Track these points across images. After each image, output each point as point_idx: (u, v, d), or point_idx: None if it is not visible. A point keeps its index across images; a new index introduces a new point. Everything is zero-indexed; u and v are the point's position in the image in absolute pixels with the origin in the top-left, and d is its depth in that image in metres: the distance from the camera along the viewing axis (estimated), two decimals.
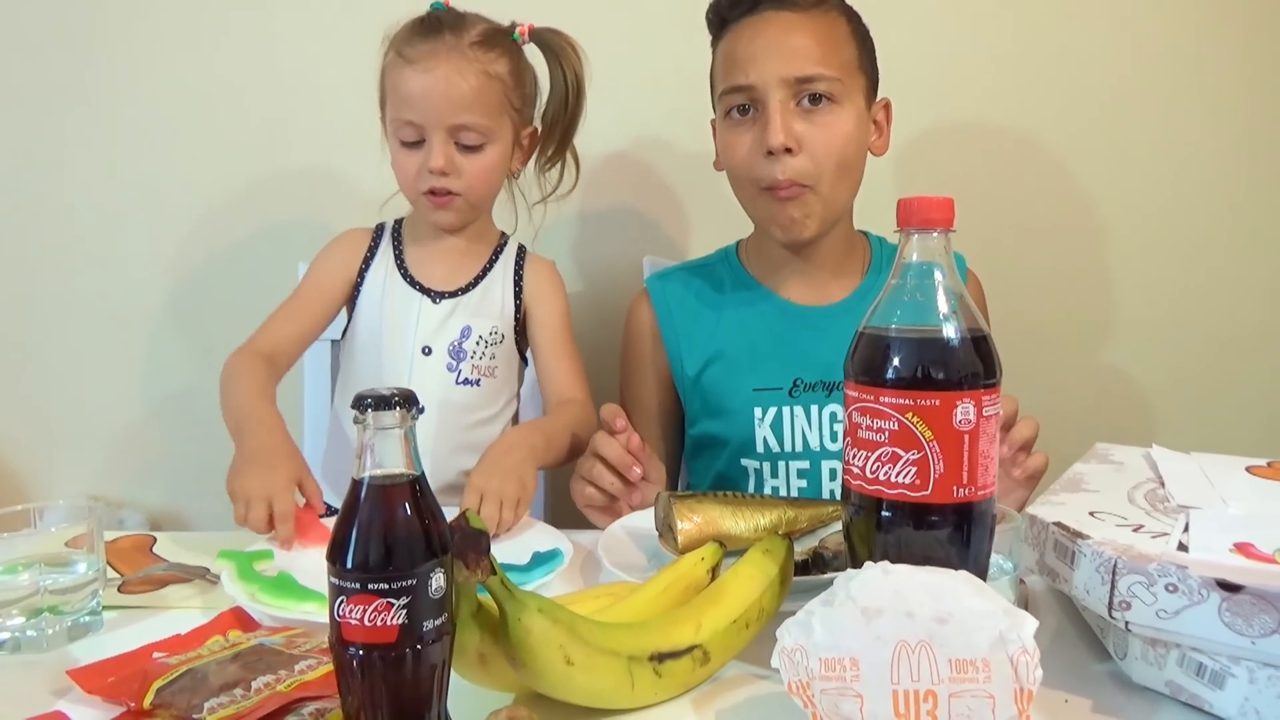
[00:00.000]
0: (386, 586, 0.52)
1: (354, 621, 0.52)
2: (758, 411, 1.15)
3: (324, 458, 1.24)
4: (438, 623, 0.54)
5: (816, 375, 1.15)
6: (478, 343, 1.15)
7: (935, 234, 0.65)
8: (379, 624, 0.52)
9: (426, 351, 1.14)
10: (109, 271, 1.54)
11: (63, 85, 1.50)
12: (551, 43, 1.14)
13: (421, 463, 0.55)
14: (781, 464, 1.16)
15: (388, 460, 0.54)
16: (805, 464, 1.15)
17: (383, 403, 0.53)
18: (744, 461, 1.17)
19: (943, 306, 0.64)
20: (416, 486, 0.54)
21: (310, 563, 0.88)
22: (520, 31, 1.13)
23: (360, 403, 0.53)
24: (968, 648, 0.56)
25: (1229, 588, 0.61)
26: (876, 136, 1.16)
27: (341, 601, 0.52)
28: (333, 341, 1.28)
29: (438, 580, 0.53)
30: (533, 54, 1.16)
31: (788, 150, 1.05)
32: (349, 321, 1.19)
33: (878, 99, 1.15)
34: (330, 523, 0.90)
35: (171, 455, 1.57)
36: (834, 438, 1.14)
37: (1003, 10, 1.53)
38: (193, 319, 1.56)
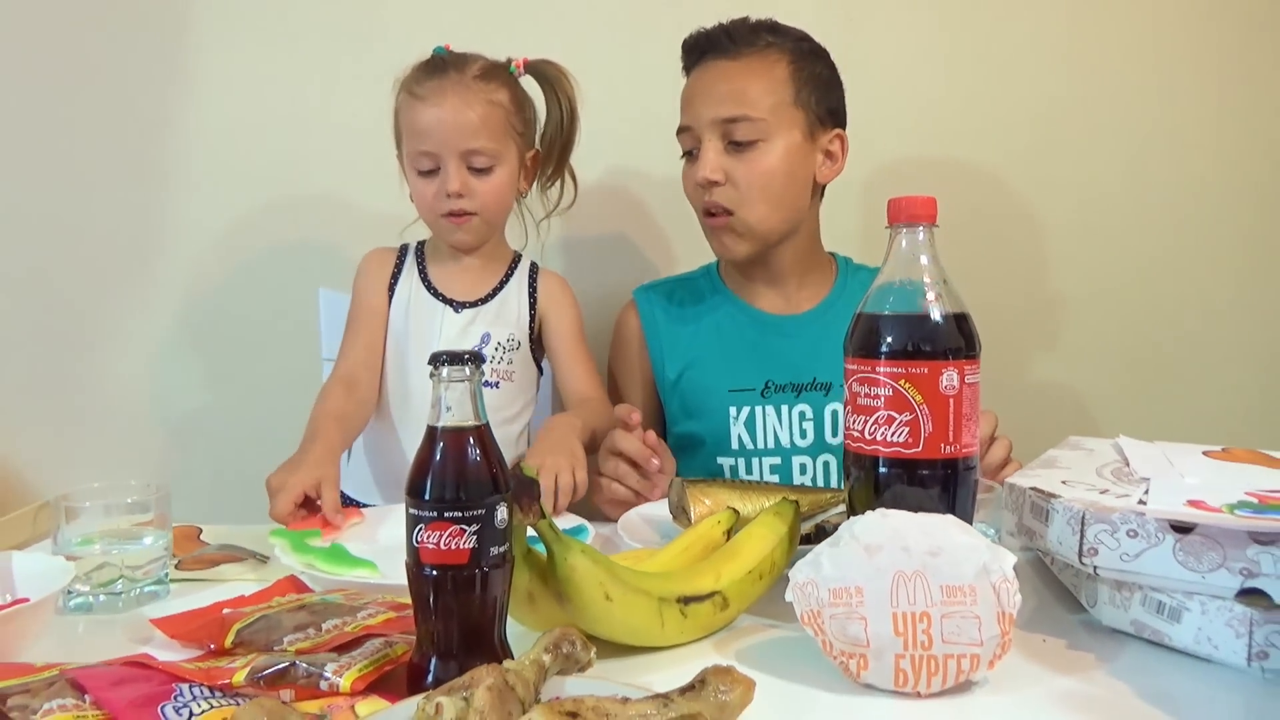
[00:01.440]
0: (460, 514, 0.60)
1: (431, 545, 0.60)
2: (732, 411, 1.27)
3: (355, 454, 1.32)
4: (502, 549, 0.62)
5: (786, 378, 1.26)
6: (496, 348, 1.25)
7: (921, 228, 0.75)
8: (453, 547, 0.60)
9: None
10: (134, 293, 1.63)
11: (98, 119, 1.60)
12: (546, 72, 1.27)
13: (486, 414, 0.64)
14: (755, 460, 1.27)
15: (458, 409, 0.62)
16: (777, 459, 1.26)
17: (455, 359, 0.62)
18: (720, 459, 1.28)
19: (929, 291, 0.75)
20: (482, 432, 0.63)
21: (352, 543, 0.95)
22: (516, 65, 1.25)
23: (435, 360, 0.62)
24: (957, 576, 0.65)
25: (1181, 529, 0.70)
26: (828, 165, 1.26)
27: (420, 529, 0.61)
28: None
29: (501, 513, 0.62)
30: (530, 86, 1.28)
31: (714, 183, 1.20)
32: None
33: (831, 131, 1.25)
34: (352, 525, 1.01)
35: (190, 473, 1.64)
36: (803, 435, 1.25)
37: (968, 50, 1.66)
38: (212, 339, 1.64)
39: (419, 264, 1.29)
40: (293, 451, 1.08)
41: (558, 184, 1.32)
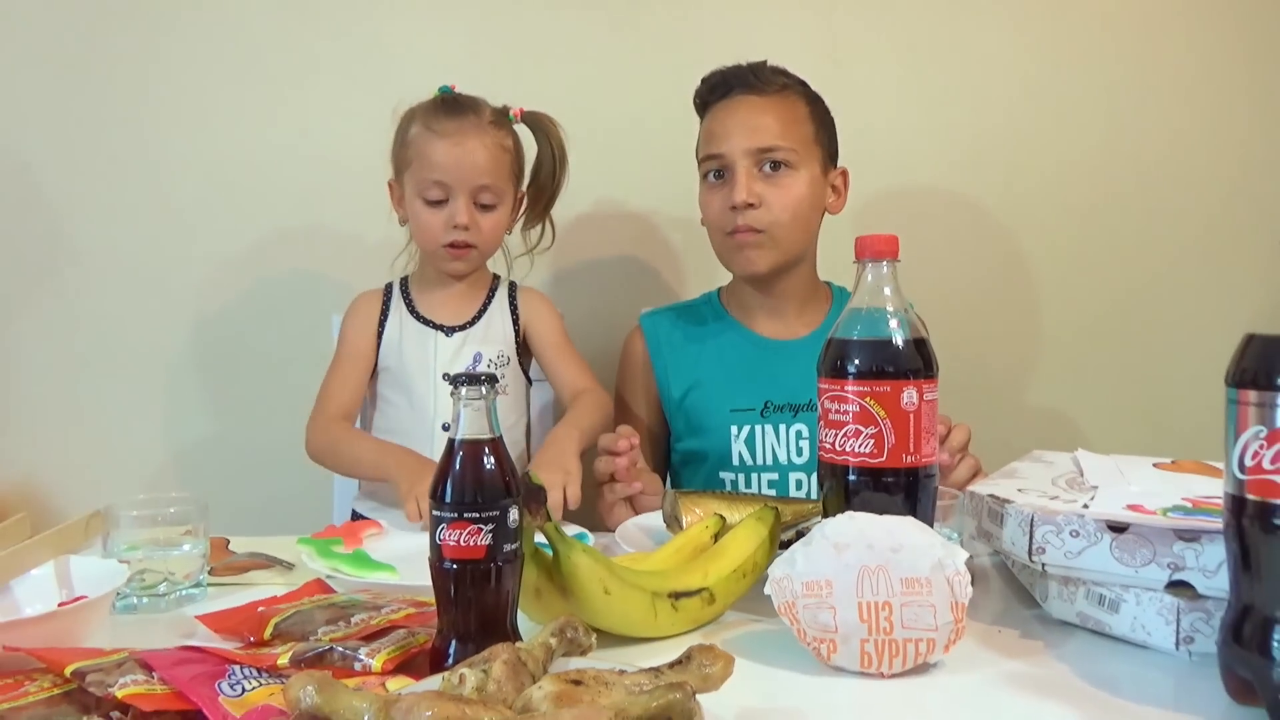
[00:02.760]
0: (477, 515, 0.69)
1: (452, 542, 0.69)
2: (734, 429, 1.36)
3: (363, 483, 1.40)
4: (513, 547, 0.71)
5: (784, 399, 1.35)
6: (488, 365, 1.36)
7: (885, 263, 0.84)
8: (472, 544, 0.69)
9: (446, 378, 1.33)
10: (147, 323, 1.73)
11: (117, 156, 1.70)
12: (539, 122, 1.37)
13: (500, 428, 0.73)
14: (754, 475, 1.36)
15: (475, 424, 0.71)
16: (775, 475, 1.35)
17: (472, 380, 0.71)
18: (722, 474, 1.37)
19: (891, 319, 0.84)
20: (497, 443, 0.71)
21: (376, 549, 1.04)
22: (514, 114, 1.36)
23: (455, 381, 0.71)
24: (915, 569, 0.74)
25: (1117, 528, 0.79)
26: (835, 199, 1.39)
27: (442, 528, 0.69)
28: None
29: (513, 514, 0.71)
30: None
31: (750, 205, 1.29)
32: (375, 364, 1.38)
33: (836, 168, 1.39)
34: (370, 536, 1.10)
35: (209, 495, 1.71)
36: (799, 452, 1.34)
37: (947, 89, 1.77)
38: (225, 369, 1.74)
39: (405, 298, 1.39)
40: (307, 472, 1.18)
41: (537, 227, 1.42)
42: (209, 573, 1.02)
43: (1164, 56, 1.80)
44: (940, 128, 1.77)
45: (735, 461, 1.35)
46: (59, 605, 0.81)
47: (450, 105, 1.31)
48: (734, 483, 1.35)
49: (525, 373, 1.41)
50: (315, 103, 1.71)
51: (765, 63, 1.36)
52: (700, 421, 1.39)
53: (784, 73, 1.36)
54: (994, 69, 1.78)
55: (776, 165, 1.30)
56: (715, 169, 1.34)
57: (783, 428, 1.34)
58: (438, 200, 1.29)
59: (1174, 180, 1.81)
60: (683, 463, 1.42)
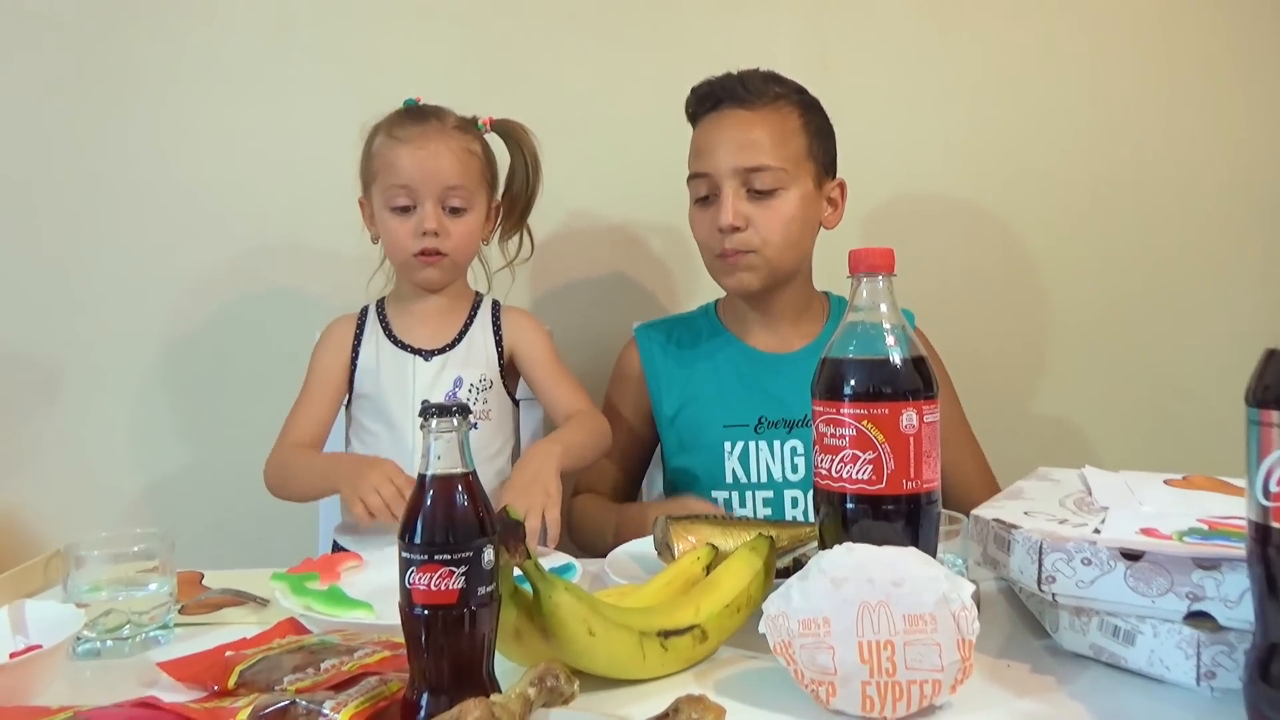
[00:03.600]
0: (449, 557, 0.64)
1: (422, 586, 0.64)
2: (727, 446, 1.31)
3: (341, 511, 1.34)
4: (488, 589, 0.66)
5: (779, 414, 1.31)
6: (470, 389, 1.30)
7: (880, 277, 0.80)
8: (443, 588, 0.64)
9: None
10: (120, 344, 1.68)
11: (98, 172, 1.66)
12: (510, 130, 1.33)
13: (473, 462, 0.68)
14: (749, 494, 1.31)
15: (446, 458, 0.67)
16: (770, 493, 1.31)
17: (443, 412, 0.67)
18: (714, 492, 1.32)
19: (888, 336, 0.79)
20: (470, 479, 0.67)
21: (350, 586, 0.99)
22: (484, 122, 1.31)
23: (425, 412, 0.67)
24: (918, 605, 0.69)
25: (1131, 556, 0.74)
26: (831, 212, 1.34)
27: (412, 571, 0.65)
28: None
29: (488, 555, 0.66)
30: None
31: (737, 228, 1.24)
32: (351, 393, 1.33)
33: (834, 180, 1.33)
34: (349, 570, 1.04)
35: (190, 520, 1.67)
36: (794, 469, 1.30)
37: (940, 91, 1.74)
38: (206, 391, 1.69)
39: (381, 321, 1.33)
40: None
41: (515, 238, 1.37)
42: (180, 611, 0.97)
43: (1158, 56, 1.76)
44: (934, 133, 1.74)
45: (729, 479, 1.31)
46: (10, 656, 0.77)
47: (413, 113, 1.27)
48: (727, 501, 1.31)
49: (511, 395, 1.36)
50: (298, 118, 1.67)
51: (757, 71, 1.30)
52: (693, 438, 1.34)
53: (777, 80, 1.30)
54: (987, 72, 1.74)
55: (765, 184, 1.25)
56: (702, 189, 1.29)
57: (777, 444, 1.30)
58: (405, 207, 1.24)
59: (1171, 181, 1.77)
60: (675, 481, 1.37)
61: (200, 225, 1.68)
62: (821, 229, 1.34)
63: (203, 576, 1.10)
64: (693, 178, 1.30)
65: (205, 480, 1.67)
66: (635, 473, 1.43)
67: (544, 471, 1.12)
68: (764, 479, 1.30)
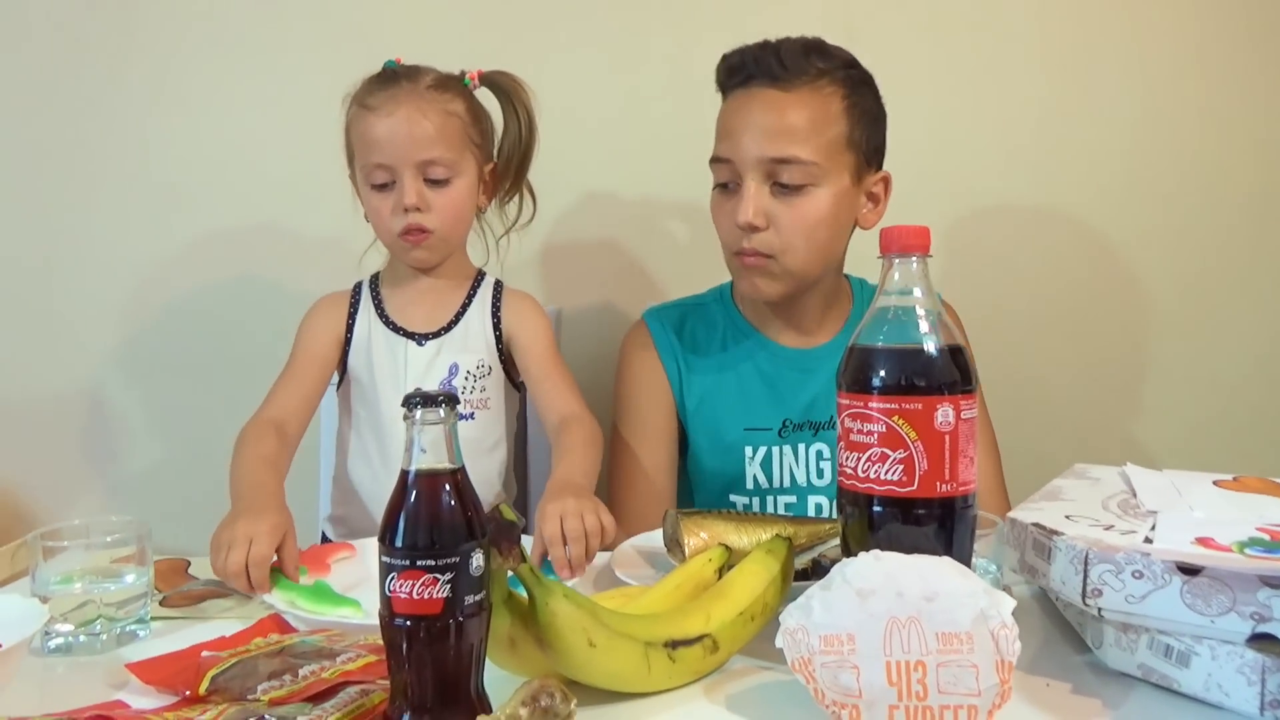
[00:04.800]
0: (433, 563, 0.58)
1: (403, 595, 0.58)
2: (748, 450, 1.21)
3: (331, 502, 1.29)
4: (477, 598, 0.60)
5: (803, 416, 1.21)
6: (467, 377, 1.20)
7: (914, 259, 0.73)
8: (426, 597, 0.58)
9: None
10: (127, 318, 1.63)
11: (97, 148, 1.60)
12: (501, 83, 1.21)
13: (461, 457, 0.62)
14: (770, 499, 1.21)
15: (432, 452, 0.60)
16: (793, 499, 1.21)
17: (429, 401, 0.60)
18: (733, 496, 1.22)
19: (922, 323, 0.72)
20: (458, 476, 0.61)
21: (340, 578, 0.94)
22: (471, 77, 1.20)
23: (409, 401, 0.60)
24: (952, 623, 0.63)
25: (1189, 570, 0.67)
26: (870, 209, 1.19)
27: (392, 578, 0.59)
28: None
29: (477, 560, 0.60)
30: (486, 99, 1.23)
31: (756, 228, 1.11)
32: (342, 375, 1.24)
33: (877, 172, 1.18)
34: (340, 561, 0.98)
35: (185, 502, 1.62)
36: (820, 474, 1.21)
37: (970, 60, 1.64)
38: (206, 364, 1.63)
39: (374, 299, 1.23)
40: (290, 485, 1.05)
41: (516, 200, 1.27)
42: (160, 603, 0.92)
43: (1212, 21, 1.65)
44: (967, 108, 1.64)
45: (749, 484, 1.21)
46: None
47: (384, 76, 1.16)
48: (747, 506, 1.21)
49: (514, 383, 1.26)
50: (298, 92, 1.60)
51: (799, 41, 1.13)
52: (712, 439, 1.24)
53: (821, 53, 1.13)
54: (1029, 42, 1.64)
55: (792, 179, 1.10)
56: (724, 175, 1.15)
57: (801, 447, 1.20)
58: (384, 184, 1.14)
59: (1216, 164, 1.67)
60: (691, 482, 1.27)
61: (211, 198, 1.61)
62: (856, 229, 1.21)
63: (189, 564, 1.05)
64: (713, 161, 1.16)
65: (200, 462, 1.62)
66: (675, 474, 1.27)
67: (583, 490, 1.00)
68: (787, 484, 1.21)
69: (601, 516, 0.95)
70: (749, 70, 1.13)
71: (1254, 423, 1.69)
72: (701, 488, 1.25)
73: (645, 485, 1.22)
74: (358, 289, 1.25)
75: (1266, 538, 0.74)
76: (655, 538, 1.01)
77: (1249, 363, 1.69)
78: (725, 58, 1.17)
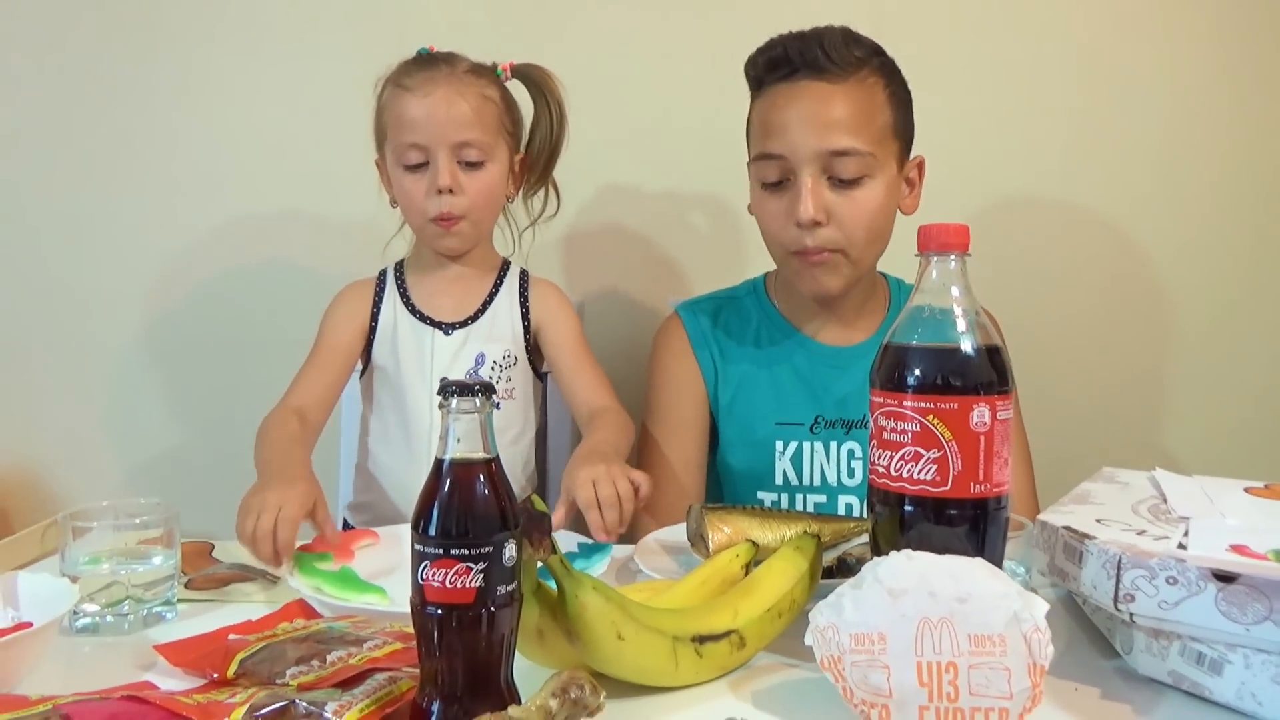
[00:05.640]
0: (466, 552, 0.58)
1: (436, 584, 0.58)
2: (779, 445, 1.20)
3: (354, 489, 1.29)
4: (509, 588, 0.60)
5: (837, 413, 1.20)
6: (493, 368, 1.20)
7: (952, 257, 0.72)
8: (459, 586, 0.58)
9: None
10: (151, 304, 1.64)
11: (125, 135, 1.61)
12: (533, 76, 1.22)
13: (496, 447, 0.62)
14: (799, 497, 1.20)
15: (466, 442, 0.60)
16: (822, 498, 1.20)
17: (465, 390, 0.60)
18: (761, 493, 1.21)
19: (960, 322, 0.72)
20: (492, 466, 0.60)
21: (364, 565, 0.94)
22: (503, 69, 1.20)
23: (445, 390, 0.60)
24: (985, 625, 0.62)
25: (1225, 578, 0.66)
26: (909, 194, 1.18)
27: (425, 566, 0.58)
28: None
29: (510, 550, 0.60)
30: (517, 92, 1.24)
31: (817, 223, 1.09)
32: (367, 364, 1.24)
33: (912, 158, 1.18)
34: (364, 548, 0.97)
35: (208, 487, 1.63)
36: (850, 474, 1.19)
37: (1020, 65, 1.62)
38: (226, 350, 1.64)
39: (399, 287, 1.23)
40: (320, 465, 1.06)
41: (540, 193, 1.27)
42: (185, 585, 0.92)
43: (1244, 22, 1.62)
44: (999, 103, 1.62)
45: (778, 481, 1.20)
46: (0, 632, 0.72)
47: (422, 60, 1.16)
48: (775, 503, 1.20)
49: (537, 372, 1.27)
50: (322, 78, 1.60)
51: (837, 31, 1.11)
52: (742, 433, 1.23)
53: (858, 41, 1.12)
54: (1067, 36, 1.61)
55: (849, 172, 1.09)
56: (773, 172, 1.12)
57: (833, 445, 1.19)
58: (417, 164, 1.14)
59: (1246, 168, 1.65)
60: (720, 477, 1.26)
61: (222, 187, 1.62)
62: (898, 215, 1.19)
63: (213, 548, 1.06)
64: (760, 159, 1.13)
65: (222, 447, 1.63)
66: (705, 468, 1.27)
67: (609, 454, 1.01)
68: (817, 482, 1.20)
69: (633, 477, 0.96)
70: (793, 62, 1.10)
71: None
72: (730, 484, 1.25)
73: (673, 480, 1.21)
74: (382, 276, 1.25)
75: None
76: (679, 531, 1.01)
77: (1277, 370, 1.67)
78: (761, 51, 1.15)
